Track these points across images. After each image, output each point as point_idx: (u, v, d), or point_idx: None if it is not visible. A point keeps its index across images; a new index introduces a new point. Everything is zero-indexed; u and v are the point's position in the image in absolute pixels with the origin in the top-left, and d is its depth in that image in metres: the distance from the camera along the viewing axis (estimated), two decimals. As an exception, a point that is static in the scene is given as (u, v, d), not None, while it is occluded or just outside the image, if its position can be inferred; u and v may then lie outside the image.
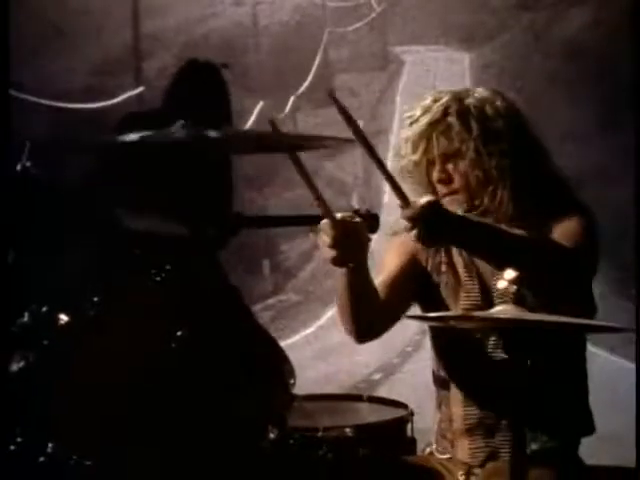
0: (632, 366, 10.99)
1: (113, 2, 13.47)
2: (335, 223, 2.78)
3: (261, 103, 17.61)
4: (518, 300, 2.40)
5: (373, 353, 10.60)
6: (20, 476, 2.48)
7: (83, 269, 2.96)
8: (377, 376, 9.77)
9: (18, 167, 2.98)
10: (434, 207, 2.71)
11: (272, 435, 2.63)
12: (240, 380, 2.66)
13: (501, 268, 2.70)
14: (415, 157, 3.03)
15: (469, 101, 3.02)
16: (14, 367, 2.53)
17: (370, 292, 2.98)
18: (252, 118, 15.74)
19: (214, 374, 2.64)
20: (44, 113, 11.42)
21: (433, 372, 3.17)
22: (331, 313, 10.59)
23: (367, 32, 25.06)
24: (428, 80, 26.85)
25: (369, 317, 3.03)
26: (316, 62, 23.83)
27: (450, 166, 2.99)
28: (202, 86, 4.52)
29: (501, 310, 2.45)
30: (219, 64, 4.65)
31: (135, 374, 2.55)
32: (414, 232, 2.69)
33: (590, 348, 11.71)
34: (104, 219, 3.17)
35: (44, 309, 2.70)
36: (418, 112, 3.03)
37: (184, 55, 14.16)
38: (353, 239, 2.81)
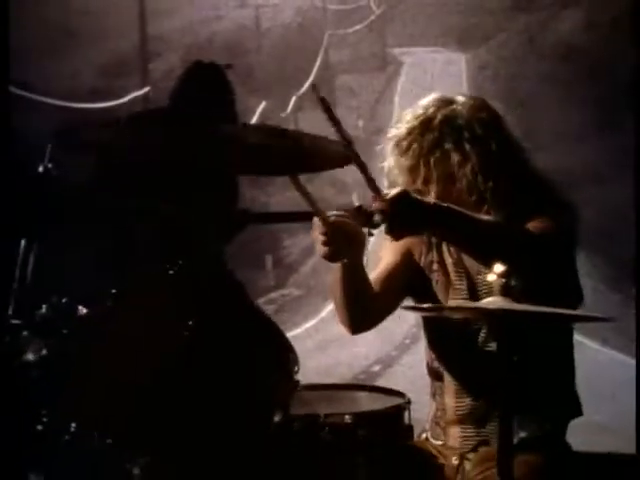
0: (623, 357, 11.08)
1: (120, 4, 13.52)
2: (326, 221, 2.87)
3: (264, 103, 17.66)
4: (505, 292, 2.48)
5: (372, 345, 10.67)
6: (47, 453, 2.58)
7: (101, 263, 3.06)
8: (376, 368, 9.84)
9: (40, 168, 3.10)
10: (403, 197, 2.78)
11: (277, 418, 2.74)
12: (247, 367, 2.75)
13: (474, 254, 2.81)
14: (406, 163, 3.09)
15: (455, 111, 3.07)
16: (35, 354, 2.63)
17: (363, 287, 3.04)
18: (255, 117, 15.80)
19: (223, 362, 2.74)
20: (51, 113, 11.48)
21: (427, 364, 3.25)
22: (331, 307, 10.64)
23: (366, 34, 25.06)
24: (426, 81, 26.85)
25: (362, 310, 3.10)
26: (317, 63, 23.84)
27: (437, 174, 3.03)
28: (208, 86, 4.56)
29: (489, 301, 2.54)
30: (223, 65, 4.71)
31: (149, 360, 2.66)
32: (385, 225, 2.76)
33: (582, 340, 11.81)
34: (119, 216, 3.26)
35: (64, 300, 2.80)
36: (404, 128, 3.09)
37: (189, 56, 14.19)
38: (344, 236, 2.90)
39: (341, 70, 25.49)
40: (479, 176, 3.04)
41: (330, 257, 2.91)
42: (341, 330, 10.55)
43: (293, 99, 22.97)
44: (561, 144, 18.33)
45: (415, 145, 3.07)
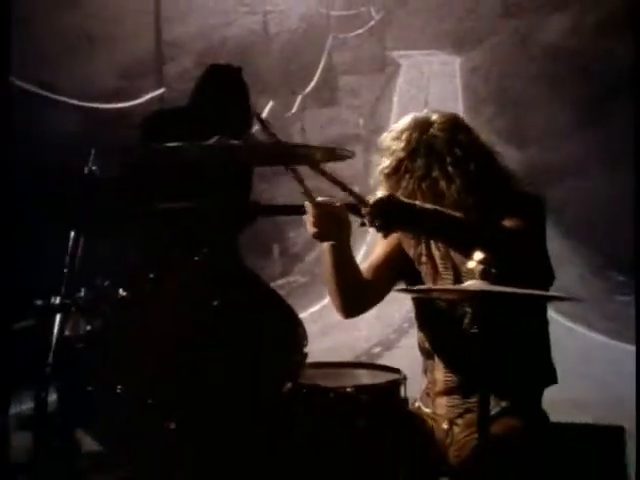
0: (607, 340, 11.03)
1: (136, 12, 13.46)
2: (316, 205, 2.98)
3: (271, 103, 17.61)
4: (484, 276, 2.60)
5: (372, 329, 10.63)
6: (97, 409, 2.77)
7: (139, 252, 3.23)
8: (376, 350, 9.80)
9: (85, 170, 3.20)
10: (384, 201, 2.87)
11: (287, 386, 2.88)
12: (263, 340, 2.89)
13: (456, 249, 2.88)
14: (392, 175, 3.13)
15: (434, 137, 3.10)
16: (77, 330, 2.79)
17: (351, 270, 3.12)
18: (263, 116, 15.72)
19: (242, 336, 2.89)
20: (75, 113, 11.45)
21: (419, 344, 3.27)
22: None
23: (367, 38, 25.02)
24: (422, 82, 26.83)
25: (352, 294, 3.17)
26: (321, 65, 23.80)
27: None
28: (225, 87, 4.57)
29: (470, 284, 2.66)
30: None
31: (180, 334, 2.84)
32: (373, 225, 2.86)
33: (569, 324, 11.64)
34: (153, 212, 3.40)
35: (106, 284, 2.94)
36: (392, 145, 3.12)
37: (202, 60, 14.15)
38: (331, 218, 3.01)
39: (343, 71, 25.44)
40: (462, 194, 3.10)
41: (318, 236, 3.00)
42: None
43: (298, 99, 22.94)
44: (549, 140, 18.26)
45: (407, 176, 3.12)
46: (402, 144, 3.12)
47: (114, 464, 2.80)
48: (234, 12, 17.06)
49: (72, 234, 3.08)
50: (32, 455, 2.66)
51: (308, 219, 2.99)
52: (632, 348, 9.95)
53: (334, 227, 2.99)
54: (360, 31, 25.61)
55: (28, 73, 9.64)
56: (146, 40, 13.73)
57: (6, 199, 3.68)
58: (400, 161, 3.11)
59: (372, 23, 25.74)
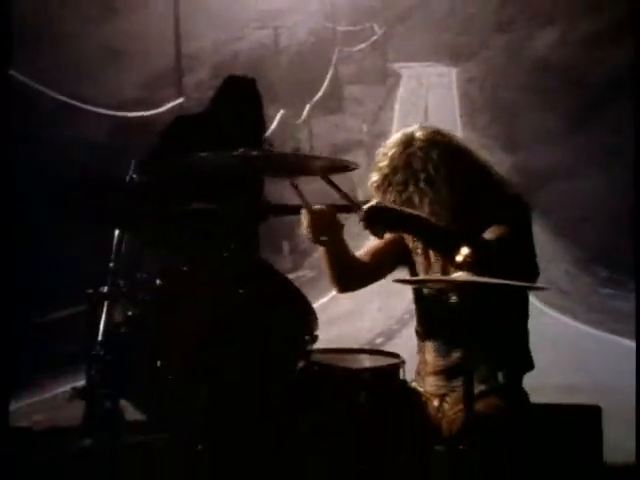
0: (590, 330, 11.10)
1: (158, 28, 13.54)
2: (310, 212, 3.18)
3: (281, 111, 17.68)
4: (470, 268, 2.77)
5: (376, 320, 10.70)
6: (139, 382, 2.99)
7: (175, 248, 3.42)
8: (379, 340, 9.87)
9: (127, 178, 3.41)
10: (375, 209, 3.08)
11: (300, 364, 3.04)
12: (280, 324, 3.09)
13: (438, 252, 3.10)
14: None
15: (411, 155, 3.30)
16: (123, 315, 3.00)
17: (343, 259, 3.32)
18: (274, 124, 15.83)
19: (262, 320, 3.07)
20: (103, 120, 11.54)
21: (415, 328, 3.42)
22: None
23: (370, 51, 25.11)
24: (421, 91, 26.87)
25: (344, 276, 3.36)
26: (328, 76, 23.86)
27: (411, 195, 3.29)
28: (241, 96, 4.68)
29: (458, 275, 2.80)
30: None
31: (210, 318, 3.03)
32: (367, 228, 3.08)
33: (557, 315, 11.65)
34: (184, 213, 3.60)
35: (144, 276, 3.10)
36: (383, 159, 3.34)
37: (217, 72, 14.24)
38: (322, 223, 3.21)
39: (348, 82, 25.50)
40: (435, 207, 3.28)
41: (313, 239, 3.23)
42: (349, 307, 10.50)
43: (307, 107, 22.99)
44: (538, 145, 18.29)
45: (390, 189, 3.36)
46: (386, 161, 3.30)
47: (152, 429, 3.00)
48: (246, 27, 17.14)
49: (116, 233, 3.27)
50: (83, 420, 2.87)
51: (303, 224, 3.20)
52: (614, 337, 10.04)
53: (327, 230, 3.19)
54: (364, 45, 25.69)
55: (63, 85, 9.74)
56: (167, 54, 13.81)
57: (6, 199, 3.77)
58: (385, 176, 3.30)
59: (375, 38, 25.81)
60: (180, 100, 14.51)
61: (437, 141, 3.41)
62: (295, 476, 2.83)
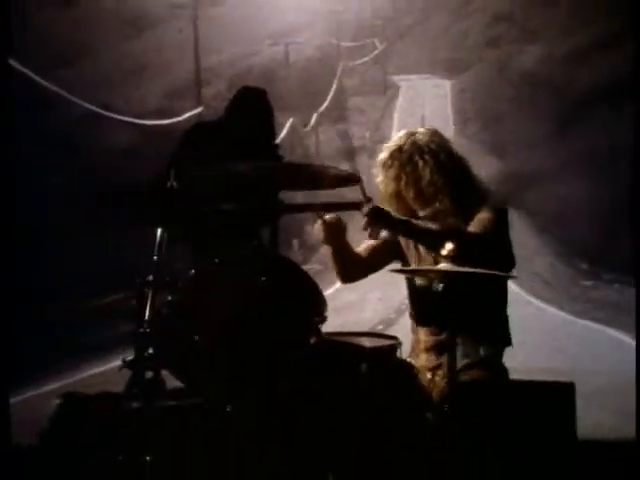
0: (574, 319, 11.10)
1: (180, 44, 13.54)
2: (322, 221, 3.39)
3: (291, 119, 17.70)
4: (453, 260, 2.91)
5: (376, 310, 10.71)
6: (179, 355, 3.30)
7: (208, 244, 3.71)
8: (380, 327, 9.89)
9: (168, 185, 3.67)
10: (374, 210, 3.25)
11: (312, 340, 3.31)
12: (295, 305, 3.35)
13: (428, 249, 3.26)
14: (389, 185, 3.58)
15: (413, 143, 3.48)
16: (164, 299, 3.30)
17: (347, 256, 3.52)
18: (285, 131, 15.84)
19: (280, 302, 3.34)
20: (128, 128, 11.56)
21: (409, 312, 3.55)
22: (345, 279, 10.67)
23: (372, 65, 25.11)
24: (418, 101, 26.87)
25: (348, 269, 3.53)
26: (333, 88, 23.87)
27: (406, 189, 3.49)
28: (254, 105, 4.74)
29: (443, 266, 2.96)
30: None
31: (237, 301, 3.33)
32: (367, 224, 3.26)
33: (542, 305, 11.55)
34: (218, 214, 3.86)
35: (180, 266, 3.44)
36: (385, 157, 3.55)
37: (233, 83, 14.24)
38: (333, 229, 3.40)
39: (352, 93, 25.52)
40: (435, 175, 3.45)
41: (324, 242, 3.48)
42: (352, 298, 10.51)
43: (314, 116, 23.03)
44: (524, 151, 18.30)
45: (396, 163, 3.54)
46: (393, 143, 3.52)
47: (188, 394, 3.30)
48: (260, 44, 17.12)
49: (159, 231, 3.52)
50: (129, 387, 3.12)
51: (317, 230, 3.43)
52: (596, 326, 10.03)
53: (332, 233, 3.38)
54: (366, 59, 25.69)
55: (94, 96, 9.75)
56: (187, 68, 13.83)
57: (6, 199, 3.91)
58: (391, 153, 3.50)
59: (376, 52, 25.80)
60: (199, 109, 14.52)
61: (436, 132, 3.58)
62: (308, 432, 3.06)
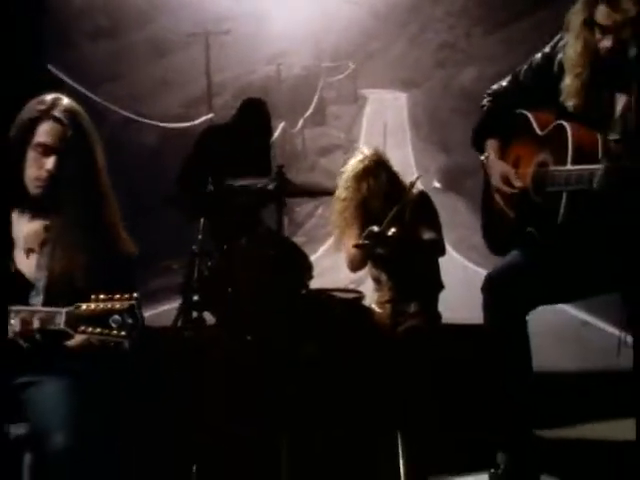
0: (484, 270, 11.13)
1: (195, 64, 13.55)
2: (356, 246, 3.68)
3: (283, 123, 17.68)
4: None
5: (347, 272, 10.82)
6: (218, 301, 3.82)
7: (237, 234, 4.18)
8: (351, 285, 10.02)
9: (207, 189, 4.05)
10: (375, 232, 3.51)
11: (304, 291, 3.75)
12: (291, 264, 3.76)
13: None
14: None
15: (374, 161, 3.82)
16: (206, 265, 3.78)
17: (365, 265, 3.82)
18: (277, 132, 15.85)
19: (282, 265, 3.74)
20: (154, 130, 11.62)
21: (371, 276, 3.85)
22: (322, 249, 10.81)
23: (346, 81, 25.04)
24: (382, 110, 26.96)
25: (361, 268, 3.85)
26: (315, 99, 23.87)
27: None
28: (255, 113, 4.92)
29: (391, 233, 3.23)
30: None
31: (256, 267, 3.81)
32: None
33: (476, 268, 11.57)
34: (254, 206, 4.29)
35: (212, 244, 4.04)
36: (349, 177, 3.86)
37: (237, 95, 14.24)
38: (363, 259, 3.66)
39: (330, 103, 25.43)
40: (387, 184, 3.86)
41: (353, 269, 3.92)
42: (329, 263, 10.57)
43: (301, 121, 23.01)
44: (463, 149, 18.38)
45: (367, 178, 3.95)
46: (359, 165, 3.78)
47: (227, 335, 3.79)
48: (258, 64, 17.09)
49: (202, 221, 4.04)
50: (175, 322, 3.58)
51: (349, 251, 3.74)
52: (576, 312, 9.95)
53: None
54: (341, 76, 25.64)
55: (129, 105, 9.81)
56: (200, 83, 13.84)
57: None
58: (366, 168, 3.68)
59: (349, 71, 25.76)
60: (210, 115, 14.50)
61: (369, 169, 3.88)
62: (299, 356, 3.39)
